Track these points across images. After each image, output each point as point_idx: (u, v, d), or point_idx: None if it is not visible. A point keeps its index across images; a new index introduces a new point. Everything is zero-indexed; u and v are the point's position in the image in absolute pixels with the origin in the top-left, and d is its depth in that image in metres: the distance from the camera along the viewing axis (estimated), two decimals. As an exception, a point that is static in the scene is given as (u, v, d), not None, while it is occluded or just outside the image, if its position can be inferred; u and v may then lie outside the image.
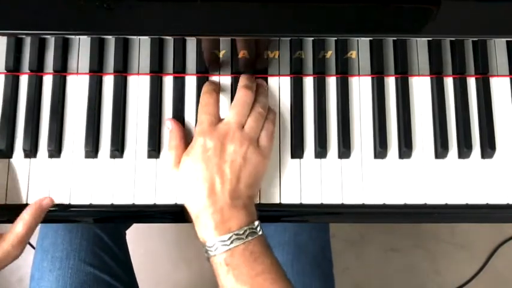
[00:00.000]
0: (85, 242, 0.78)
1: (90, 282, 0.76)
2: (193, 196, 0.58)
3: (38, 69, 0.65)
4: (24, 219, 0.58)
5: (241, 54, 0.64)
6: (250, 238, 0.55)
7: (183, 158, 0.60)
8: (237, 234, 0.55)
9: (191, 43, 0.66)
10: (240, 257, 0.55)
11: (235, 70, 0.66)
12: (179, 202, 0.63)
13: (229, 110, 0.61)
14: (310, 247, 0.79)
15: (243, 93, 0.62)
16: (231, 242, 0.55)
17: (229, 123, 0.60)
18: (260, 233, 0.57)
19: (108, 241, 0.81)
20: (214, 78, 0.66)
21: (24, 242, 0.58)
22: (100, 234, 0.81)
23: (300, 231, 0.79)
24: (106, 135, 0.64)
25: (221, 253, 0.55)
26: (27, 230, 0.58)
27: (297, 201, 0.63)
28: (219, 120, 0.61)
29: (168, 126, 0.63)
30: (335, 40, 0.66)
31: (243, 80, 0.63)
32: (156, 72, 0.65)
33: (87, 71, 0.65)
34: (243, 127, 0.60)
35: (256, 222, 0.57)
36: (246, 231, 0.56)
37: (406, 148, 0.64)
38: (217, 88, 0.64)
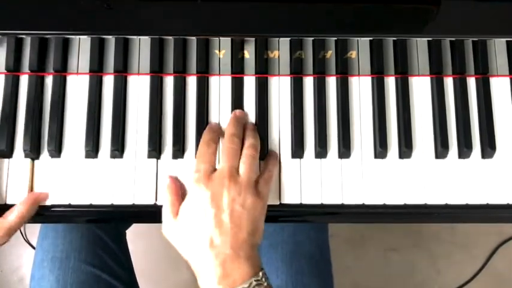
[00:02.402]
0: (85, 242, 0.78)
1: (90, 282, 0.76)
2: (193, 250, 0.56)
3: (38, 69, 0.65)
4: (18, 209, 0.59)
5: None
6: None
7: (181, 210, 0.58)
8: None
9: (191, 43, 0.66)
10: None
11: (235, 70, 0.66)
12: (179, 202, 0.63)
13: (220, 159, 0.61)
14: (308, 247, 0.79)
15: (230, 141, 0.61)
16: None
17: (222, 172, 0.58)
18: (266, 284, 0.54)
19: (108, 241, 0.81)
20: (214, 78, 0.66)
21: (12, 231, 0.58)
22: (100, 234, 0.81)
23: (299, 231, 0.79)
24: (106, 135, 0.64)
25: None
26: (19, 220, 0.58)
27: (297, 201, 0.63)
28: (215, 170, 0.60)
29: (167, 182, 0.62)
30: (335, 40, 0.66)
31: (229, 127, 0.62)
32: (156, 72, 0.65)
33: (87, 71, 0.65)
34: (238, 172, 0.59)
35: (261, 273, 0.55)
36: (251, 284, 0.53)
37: (406, 148, 0.64)
38: (217, 137, 0.63)
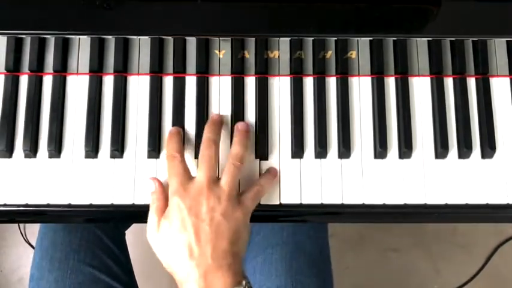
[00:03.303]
0: (84, 243, 0.78)
1: (89, 283, 0.76)
2: (175, 261, 0.56)
3: (38, 69, 0.65)
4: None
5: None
6: None
7: (162, 221, 0.58)
8: None
9: (191, 43, 0.66)
10: None
11: (235, 70, 0.66)
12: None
13: (198, 168, 0.59)
14: (308, 247, 0.79)
15: (206, 147, 0.60)
16: None
17: (200, 180, 0.58)
18: None
19: (107, 241, 0.81)
20: (214, 78, 0.66)
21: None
22: (99, 235, 0.80)
23: (298, 230, 0.79)
24: (106, 135, 0.64)
25: None
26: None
27: (297, 201, 0.63)
28: (190, 178, 0.59)
29: (151, 185, 0.61)
30: (335, 40, 0.66)
31: (205, 132, 0.61)
32: (156, 72, 0.65)
33: (87, 71, 0.65)
34: (217, 181, 0.58)
35: (244, 282, 0.54)
36: None
37: (406, 148, 0.64)
38: (180, 145, 0.61)
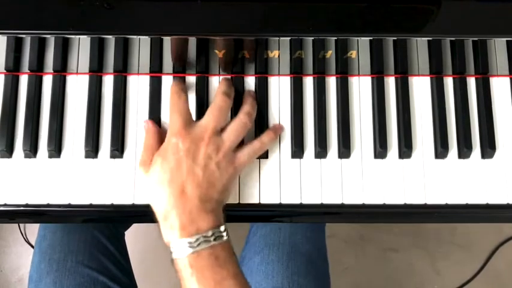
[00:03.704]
0: (83, 244, 0.78)
1: (87, 284, 0.76)
2: (162, 196, 0.56)
3: (37, 69, 0.65)
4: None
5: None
6: (217, 242, 0.54)
7: (155, 158, 0.58)
8: (204, 237, 0.54)
9: (191, 43, 0.65)
10: (205, 260, 0.54)
11: (235, 70, 0.66)
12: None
13: (206, 114, 0.60)
14: (305, 247, 0.79)
15: (219, 99, 0.61)
16: (198, 244, 0.54)
17: (205, 126, 0.59)
18: (226, 238, 0.56)
19: (106, 243, 0.81)
20: (215, 78, 0.66)
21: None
22: (98, 236, 0.80)
23: (295, 231, 0.79)
24: (106, 135, 0.64)
25: (186, 255, 0.54)
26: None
27: (297, 201, 0.63)
28: (192, 122, 0.60)
29: (145, 126, 0.63)
30: (335, 40, 0.66)
31: (221, 85, 0.63)
32: (156, 72, 0.65)
33: (87, 71, 0.65)
34: (220, 133, 0.59)
35: (223, 227, 0.56)
36: (213, 234, 0.55)
37: (406, 148, 0.64)
38: (185, 87, 0.62)
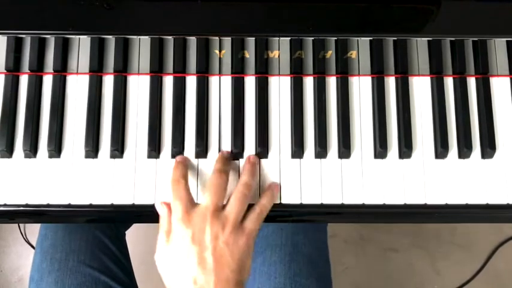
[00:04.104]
0: (84, 244, 0.78)
1: (89, 284, 0.76)
2: (176, 286, 0.56)
3: (38, 69, 0.65)
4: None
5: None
6: None
7: (167, 247, 0.58)
8: None
9: (191, 43, 0.66)
10: None
11: (235, 70, 0.66)
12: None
13: (204, 195, 0.59)
14: (307, 247, 0.79)
15: (216, 176, 0.59)
16: None
17: (206, 206, 0.57)
18: None
19: (107, 242, 0.81)
20: (214, 78, 0.66)
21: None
22: (99, 236, 0.80)
23: (297, 231, 0.79)
24: (106, 135, 0.64)
25: None
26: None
27: (297, 201, 0.63)
28: (194, 205, 0.59)
29: (159, 209, 0.61)
30: (335, 40, 0.66)
31: (216, 163, 0.61)
32: (156, 72, 0.65)
33: (87, 71, 0.65)
34: (222, 209, 0.58)
35: None
36: None
37: (406, 148, 0.64)
38: (185, 172, 0.61)
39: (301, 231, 0.80)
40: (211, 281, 0.54)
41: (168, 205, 0.60)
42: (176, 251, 0.57)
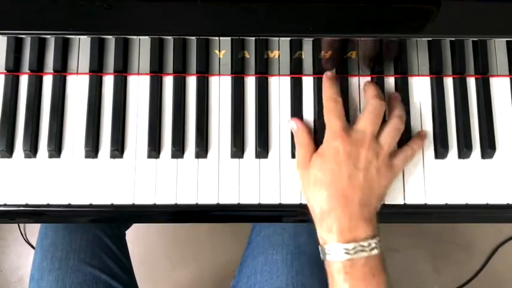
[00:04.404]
0: (85, 242, 0.78)
1: (89, 283, 0.76)
2: (321, 197, 0.57)
3: (38, 69, 0.65)
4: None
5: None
6: (372, 253, 0.54)
7: (315, 158, 0.59)
8: (361, 246, 0.54)
9: (191, 43, 0.66)
10: (360, 269, 0.54)
11: (235, 70, 0.66)
12: (179, 202, 0.63)
13: (361, 119, 0.60)
14: (309, 247, 0.79)
15: (375, 103, 0.61)
16: (355, 252, 0.54)
17: (363, 131, 0.59)
18: (380, 250, 0.55)
19: (108, 241, 0.81)
20: (214, 78, 0.66)
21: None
22: (100, 235, 0.80)
23: (300, 231, 0.79)
24: (106, 135, 0.64)
25: (341, 260, 0.54)
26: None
27: (297, 202, 0.63)
28: (349, 125, 0.60)
29: (293, 127, 0.63)
30: (335, 40, 0.66)
31: (371, 89, 0.62)
32: (156, 72, 0.65)
33: (87, 71, 0.65)
34: (376, 138, 0.59)
35: (378, 238, 0.56)
36: (369, 244, 0.55)
37: (406, 148, 0.64)
38: (339, 91, 0.62)
39: (304, 231, 0.80)
40: (357, 197, 0.56)
41: (301, 121, 0.63)
42: (327, 162, 0.58)
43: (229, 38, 0.65)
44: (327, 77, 0.63)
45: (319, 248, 0.58)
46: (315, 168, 0.59)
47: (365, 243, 0.55)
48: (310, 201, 0.59)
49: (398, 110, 0.62)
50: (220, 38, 0.65)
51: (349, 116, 0.65)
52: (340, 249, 0.54)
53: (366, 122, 0.60)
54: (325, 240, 0.56)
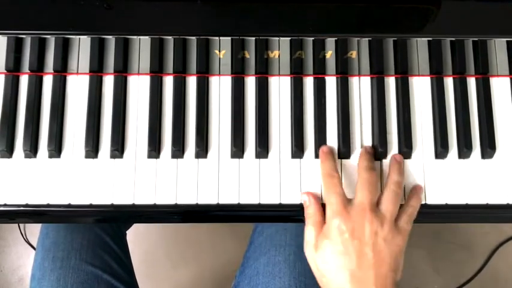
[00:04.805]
0: (86, 242, 0.78)
1: (91, 282, 0.76)
2: (333, 282, 0.56)
3: (38, 69, 0.65)
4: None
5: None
6: None
7: (321, 239, 0.58)
8: None
9: (191, 43, 0.66)
10: None
11: (235, 70, 0.66)
12: (179, 202, 0.63)
13: (357, 192, 0.59)
14: None
15: (368, 175, 0.60)
16: None
17: (362, 203, 0.58)
18: None
19: (109, 241, 0.81)
20: (214, 78, 0.66)
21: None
22: (101, 235, 0.81)
23: (301, 232, 0.79)
24: (106, 135, 0.64)
25: None
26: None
27: (297, 202, 0.63)
28: (348, 200, 0.59)
29: (306, 201, 0.62)
30: (335, 40, 0.66)
31: (362, 161, 0.62)
32: (156, 72, 0.65)
33: (87, 71, 0.65)
34: (377, 207, 0.58)
35: None
36: None
37: (406, 148, 0.64)
38: (336, 166, 0.62)
39: None
40: (370, 276, 0.55)
41: (314, 195, 0.61)
42: (333, 244, 0.57)
43: (229, 38, 0.65)
44: (322, 152, 0.62)
45: None
46: (324, 252, 0.57)
47: None
48: (324, 285, 0.58)
49: (395, 176, 0.61)
50: (220, 38, 0.65)
51: (350, 118, 0.65)
52: None
53: (362, 194, 0.58)
54: None
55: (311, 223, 0.60)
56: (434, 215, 0.65)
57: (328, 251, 0.57)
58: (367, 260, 0.55)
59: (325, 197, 0.60)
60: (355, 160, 0.64)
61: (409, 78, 0.66)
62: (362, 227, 0.56)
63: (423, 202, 0.64)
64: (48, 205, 0.63)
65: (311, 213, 0.61)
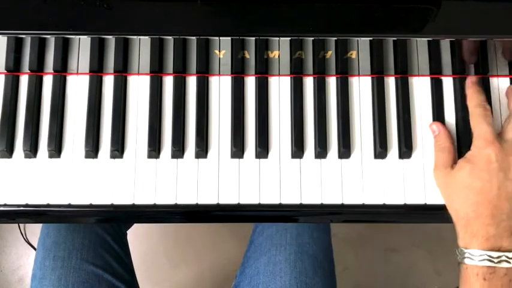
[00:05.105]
0: (87, 242, 0.78)
1: (92, 282, 0.76)
2: (469, 201, 0.57)
3: (38, 69, 0.65)
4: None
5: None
6: None
7: (463, 163, 0.59)
8: (507, 257, 0.55)
9: (191, 43, 0.66)
10: (500, 279, 0.55)
11: (235, 70, 0.66)
12: (179, 202, 0.63)
13: (509, 129, 0.60)
14: (312, 248, 0.79)
15: None
16: (499, 262, 0.55)
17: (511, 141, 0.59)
18: None
19: (110, 241, 0.81)
20: (214, 78, 0.66)
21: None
22: (102, 234, 0.81)
23: (302, 231, 0.79)
24: (106, 135, 0.64)
25: (482, 266, 0.55)
26: None
27: (297, 202, 0.63)
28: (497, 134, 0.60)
29: (435, 130, 0.64)
30: (335, 40, 0.66)
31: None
32: (156, 72, 0.65)
33: (87, 71, 0.65)
34: None
35: None
36: None
37: (406, 148, 0.64)
38: (485, 97, 0.63)
39: (306, 232, 0.80)
40: (505, 207, 0.56)
41: (442, 124, 0.64)
42: (477, 170, 0.58)
43: (229, 38, 0.65)
44: (471, 82, 0.63)
45: (458, 250, 0.59)
46: (463, 173, 0.59)
47: (510, 255, 0.55)
48: (455, 203, 0.59)
49: None
50: (220, 38, 0.65)
51: (350, 119, 0.65)
52: (484, 256, 0.55)
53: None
54: (468, 245, 0.57)
55: (443, 148, 0.62)
56: (434, 215, 0.65)
57: (471, 173, 0.58)
58: (506, 193, 0.56)
59: (475, 126, 0.61)
60: (355, 160, 0.64)
61: (409, 78, 0.66)
62: (509, 163, 0.57)
63: (423, 202, 0.64)
64: (48, 205, 0.63)
65: (442, 138, 0.63)
